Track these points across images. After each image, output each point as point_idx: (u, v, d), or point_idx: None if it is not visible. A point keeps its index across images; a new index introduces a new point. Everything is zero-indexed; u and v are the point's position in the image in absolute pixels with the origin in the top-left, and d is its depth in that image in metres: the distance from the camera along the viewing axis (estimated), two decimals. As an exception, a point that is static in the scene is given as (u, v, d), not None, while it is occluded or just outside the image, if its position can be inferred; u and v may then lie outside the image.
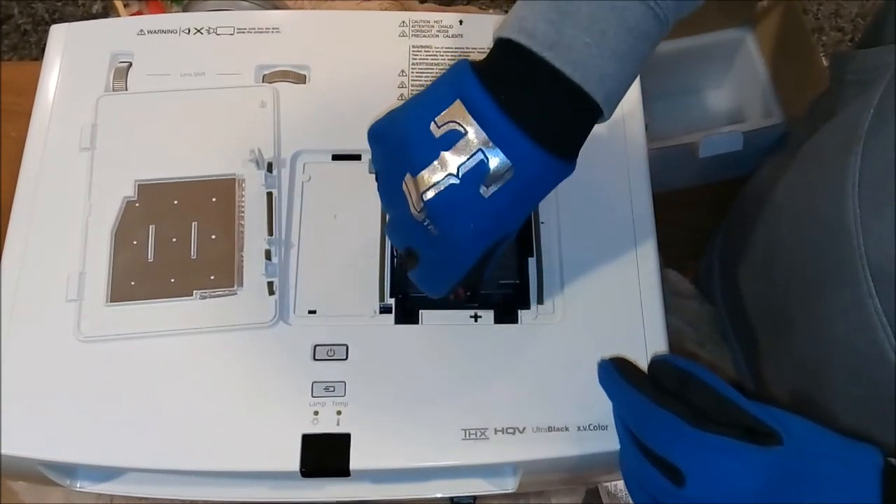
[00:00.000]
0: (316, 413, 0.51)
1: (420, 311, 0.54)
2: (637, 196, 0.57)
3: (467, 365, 0.53)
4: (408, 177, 0.44)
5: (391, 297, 0.54)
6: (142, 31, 0.62)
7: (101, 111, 0.58)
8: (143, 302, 0.53)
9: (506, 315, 0.54)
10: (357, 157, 0.58)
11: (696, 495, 0.41)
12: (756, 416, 0.43)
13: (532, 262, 0.56)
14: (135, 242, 0.55)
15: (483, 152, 0.42)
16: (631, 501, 0.57)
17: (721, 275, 0.78)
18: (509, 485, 0.55)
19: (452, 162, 0.42)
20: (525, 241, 0.56)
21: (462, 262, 0.46)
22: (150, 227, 0.55)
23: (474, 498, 0.60)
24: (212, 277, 0.54)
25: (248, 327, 0.53)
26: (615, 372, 0.48)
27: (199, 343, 0.52)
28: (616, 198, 0.57)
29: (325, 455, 0.50)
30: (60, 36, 0.62)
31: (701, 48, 0.79)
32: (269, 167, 0.57)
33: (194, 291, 0.53)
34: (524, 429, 0.51)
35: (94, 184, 0.56)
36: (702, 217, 0.85)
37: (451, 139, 0.42)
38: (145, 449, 0.50)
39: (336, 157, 0.59)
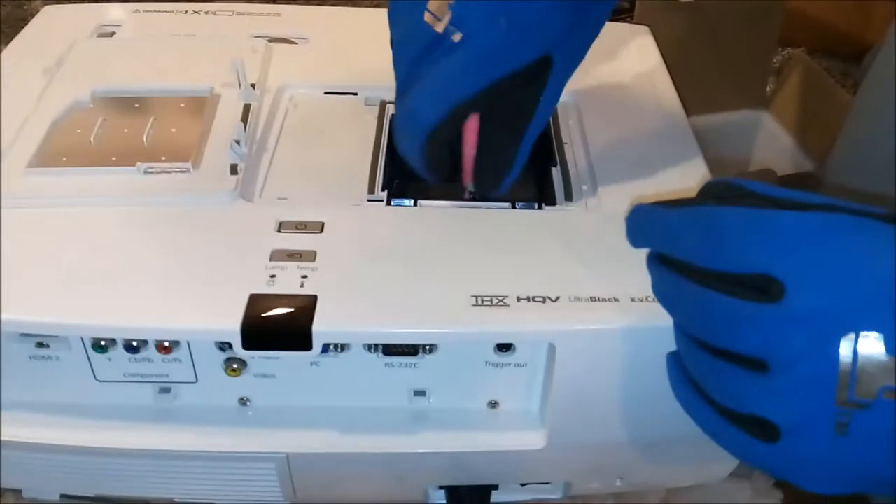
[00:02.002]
0: (272, 276, 0.37)
1: (418, 201, 0.43)
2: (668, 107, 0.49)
3: (479, 238, 0.40)
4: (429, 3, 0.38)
5: (383, 189, 0.43)
6: (137, 10, 0.59)
7: (74, 51, 0.53)
8: (71, 168, 0.42)
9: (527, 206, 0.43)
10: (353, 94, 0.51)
11: (801, 309, 0.26)
12: (863, 208, 0.29)
13: (557, 171, 0.46)
14: (78, 130, 0.45)
15: None
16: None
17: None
18: (536, 440, 0.39)
19: None
20: (548, 153, 0.47)
21: (487, 68, 0.38)
22: (99, 119, 0.46)
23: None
24: (162, 158, 0.44)
25: (199, 204, 0.41)
26: (652, 207, 0.33)
27: (135, 214, 0.41)
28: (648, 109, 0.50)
29: (279, 316, 0.35)
30: (50, 12, 0.59)
31: (718, 127, 0.76)
32: (252, 87, 0.49)
33: (137, 164, 0.43)
34: (557, 298, 0.37)
35: (47, 92, 0.48)
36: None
37: None
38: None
39: (329, 93, 0.52)
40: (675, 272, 0.31)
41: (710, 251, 0.29)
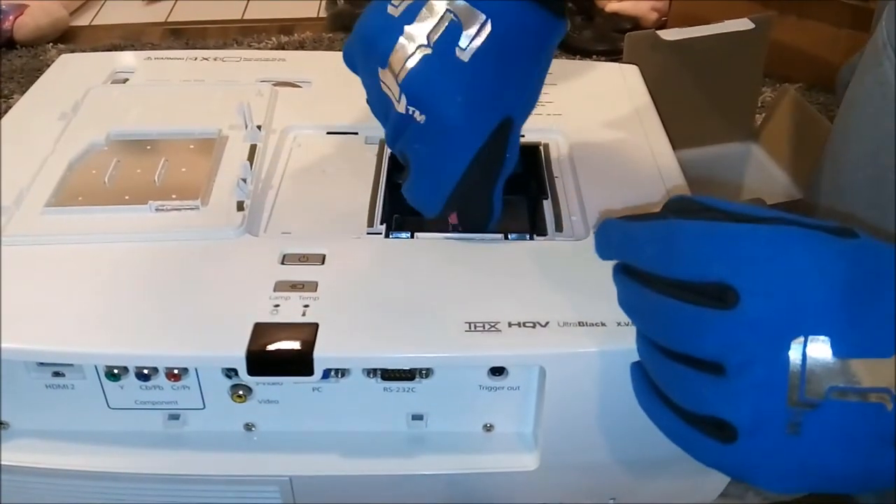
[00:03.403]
0: (276, 306, 0.39)
1: (415, 234, 0.45)
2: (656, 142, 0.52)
3: (473, 267, 0.42)
4: (382, 72, 0.39)
5: (381, 223, 0.46)
6: (149, 58, 0.62)
7: (90, 97, 0.56)
8: (86, 207, 0.45)
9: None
10: (354, 134, 0.54)
11: (754, 315, 0.28)
12: (815, 223, 0.31)
13: (548, 204, 0.48)
14: (93, 171, 0.48)
15: (451, 12, 0.38)
16: None
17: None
18: (529, 461, 0.40)
19: (420, 33, 0.38)
20: (539, 186, 0.49)
21: (461, 153, 0.39)
22: (113, 160, 0.49)
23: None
24: (173, 196, 0.46)
25: (207, 239, 0.43)
26: (618, 221, 0.36)
27: (147, 250, 0.43)
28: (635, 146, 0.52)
29: (282, 343, 0.37)
30: (66, 60, 0.62)
31: (709, 159, 0.78)
32: (258, 128, 0.52)
33: (149, 202, 0.45)
34: (547, 323, 0.38)
35: (64, 135, 0.51)
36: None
37: (413, 11, 0.38)
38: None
39: (331, 133, 0.54)
40: (638, 282, 0.33)
41: (670, 261, 0.32)
